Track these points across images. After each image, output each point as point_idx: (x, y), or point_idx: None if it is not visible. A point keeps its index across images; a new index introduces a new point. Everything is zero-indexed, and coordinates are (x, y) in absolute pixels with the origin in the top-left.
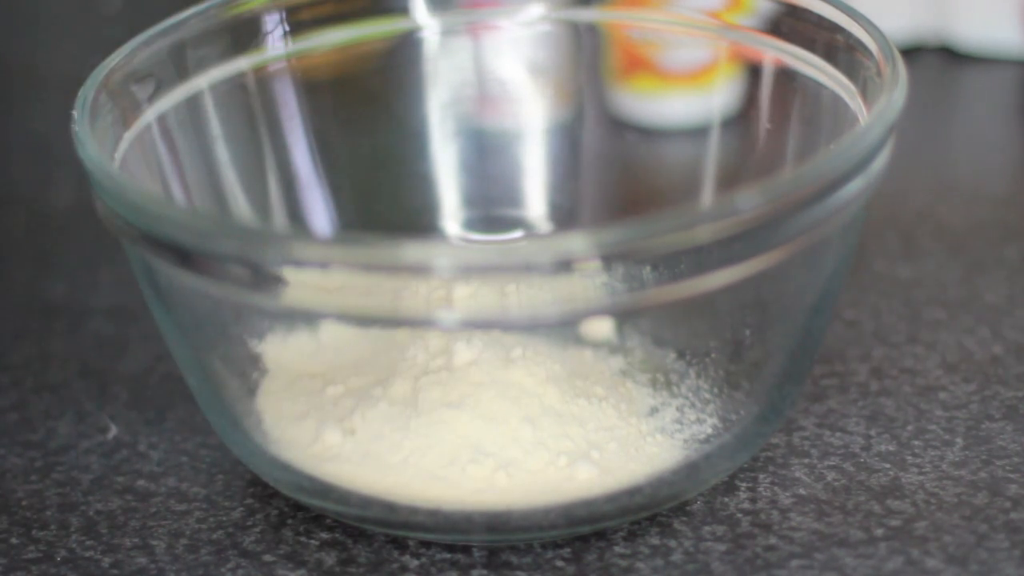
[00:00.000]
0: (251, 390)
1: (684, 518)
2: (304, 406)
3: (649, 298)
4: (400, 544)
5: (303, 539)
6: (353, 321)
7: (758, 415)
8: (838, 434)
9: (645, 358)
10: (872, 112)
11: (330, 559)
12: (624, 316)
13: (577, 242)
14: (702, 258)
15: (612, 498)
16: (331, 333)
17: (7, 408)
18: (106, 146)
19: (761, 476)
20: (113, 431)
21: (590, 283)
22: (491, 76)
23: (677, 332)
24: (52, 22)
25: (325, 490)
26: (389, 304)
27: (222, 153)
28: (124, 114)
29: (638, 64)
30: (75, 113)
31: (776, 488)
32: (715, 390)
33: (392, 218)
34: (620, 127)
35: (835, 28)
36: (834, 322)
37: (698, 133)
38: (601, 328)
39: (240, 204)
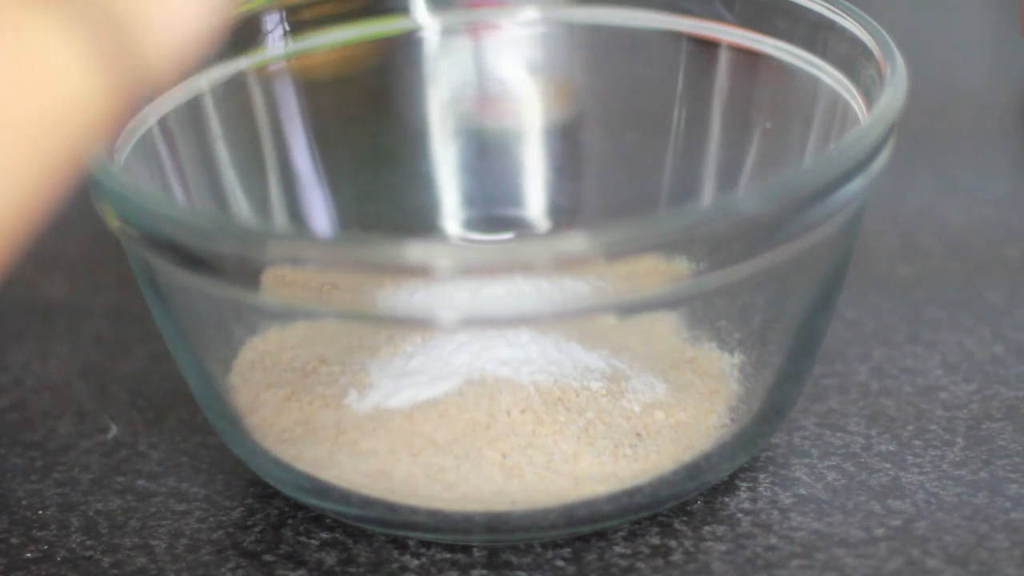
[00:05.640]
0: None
1: (684, 518)
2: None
3: (649, 298)
4: (400, 544)
5: (303, 539)
6: (353, 320)
7: (758, 415)
8: (838, 434)
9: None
10: (872, 112)
11: (330, 559)
12: (624, 315)
13: (577, 242)
14: (702, 258)
15: (612, 498)
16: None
17: (7, 408)
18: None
19: (761, 476)
20: (113, 431)
21: (588, 282)
22: (491, 76)
23: (677, 331)
24: None
25: (325, 490)
26: (389, 303)
27: (222, 153)
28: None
29: None
30: None
31: (776, 488)
32: (715, 390)
33: (392, 218)
34: (620, 127)
35: (835, 28)
36: (834, 322)
37: (697, 133)
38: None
39: (240, 204)
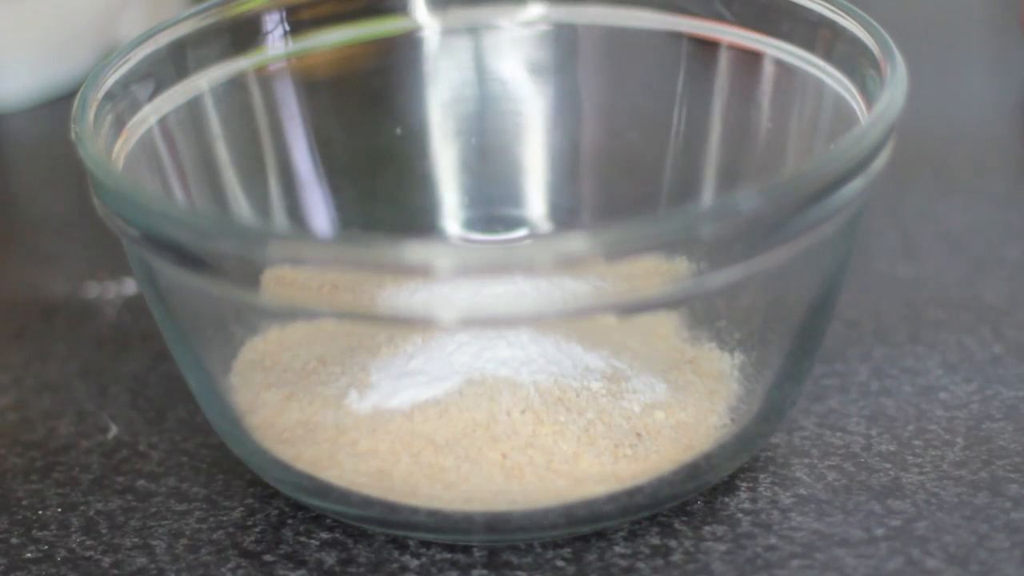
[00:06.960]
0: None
1: (684, 518)
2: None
3: (649, 298)
4: (400, 544)
5: (303, 539)
6: (353, 320)
7: (758, 415)
8: (838, 434)
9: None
10: (872, 112)
11: (330, 559)
12: (624, 315)
13: (577, 242)
14: (702, 258)
15: (612, 498)
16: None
17: (7, 408)
18: (106, 146)
19: (761, 476)
20: (113, 431)
21: (588, 282)
22: (491, 76)
23: (677, 332)
24: None
25: (325, 490)
26: (389, 303)
27: (222, 153)
28: (124, 114)
29: None
30: (75, 113)
31: (776, 488)
32: (715, 390)
33: (392, 218)
34: (620, 127)
35: (835, 28)
36: (834, 322)
37: (697, 133)
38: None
39: (240, 204)
